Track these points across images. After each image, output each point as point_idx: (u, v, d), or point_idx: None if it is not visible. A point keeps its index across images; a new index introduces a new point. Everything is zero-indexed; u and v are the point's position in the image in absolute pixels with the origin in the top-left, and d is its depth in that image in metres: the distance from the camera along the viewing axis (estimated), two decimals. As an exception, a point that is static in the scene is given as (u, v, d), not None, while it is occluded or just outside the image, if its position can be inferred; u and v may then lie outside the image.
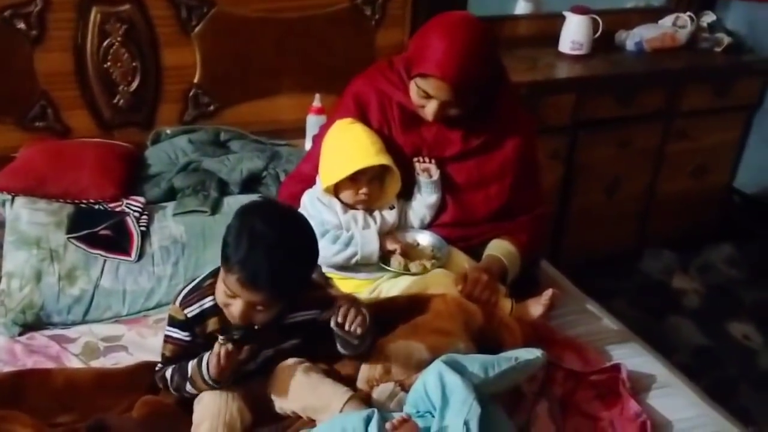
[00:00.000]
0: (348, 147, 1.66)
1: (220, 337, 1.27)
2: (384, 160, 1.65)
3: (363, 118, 1.74)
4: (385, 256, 1.66)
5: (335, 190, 1.68)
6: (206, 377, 1.30)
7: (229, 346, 1.25)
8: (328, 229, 1.65)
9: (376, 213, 1.71)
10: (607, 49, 2.98)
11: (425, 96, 1.62)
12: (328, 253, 1.63)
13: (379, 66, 1.80)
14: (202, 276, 1.38)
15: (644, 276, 3.13)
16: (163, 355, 1.38)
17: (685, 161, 3.14)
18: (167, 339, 1.36)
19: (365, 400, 1.32)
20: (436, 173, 1.72)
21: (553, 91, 2.70)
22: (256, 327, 1.32)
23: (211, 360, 1.28)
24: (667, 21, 3.10)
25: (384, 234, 1.69)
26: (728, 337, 2.77)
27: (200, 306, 1.33)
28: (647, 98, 2.89)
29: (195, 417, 1.30)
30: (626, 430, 1.43)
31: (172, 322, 1.35)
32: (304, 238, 1.29)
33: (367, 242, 1.63)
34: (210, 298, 1.33)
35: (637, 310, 2.85)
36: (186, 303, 1.34)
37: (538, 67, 2.78)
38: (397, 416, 1.20)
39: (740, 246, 3.28)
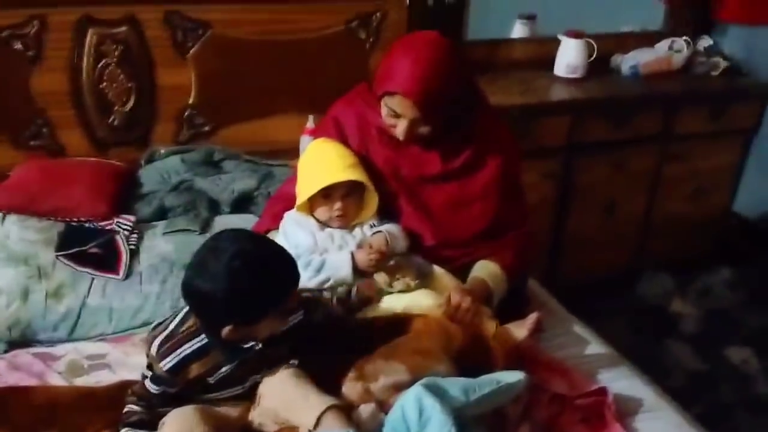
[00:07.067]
0: (317, 164, 1.67)
1: None
2: (353, 175, 1.64)
3: (342, 139, 1.75)
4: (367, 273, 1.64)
5: (311, 208, 1.68)
6: None
7: None
8: (299, 254, 1.62)
9: (357, 230, 1.70)
10: (603, 73, 2.98)
11: (394, 115, 1.63)
12: (302, 278, 1.63)
13: (358, 89, 1.82)
14: (178, 318, 1.31)
15: (641, 299, 3.10)
16: (134, 390, 1.33)
17: (682, 184, 3.13)
18: (143, 379, 1.32)
19: (347, 411, 1.29)
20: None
21: (548, 113, 2.71)
22: (246, 355, 1.30)
23: None
24: (663, 45, 3.09)
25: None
26: (725, 362, 2.74)
27: (179, 354, 1.27)
28: (643, 121, 2.89)
29: None
30: (610, 454, 1.42)
31: (150, 367, 1.30)
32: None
33: (340, 267, 1.60)
34: (189, 343, 1.27)
35: (633, 333, 2.83)
36: (162, 354, 1.27)
37: (532, 89, 2.79)
38: None
39: (739, 270, 3.24)
